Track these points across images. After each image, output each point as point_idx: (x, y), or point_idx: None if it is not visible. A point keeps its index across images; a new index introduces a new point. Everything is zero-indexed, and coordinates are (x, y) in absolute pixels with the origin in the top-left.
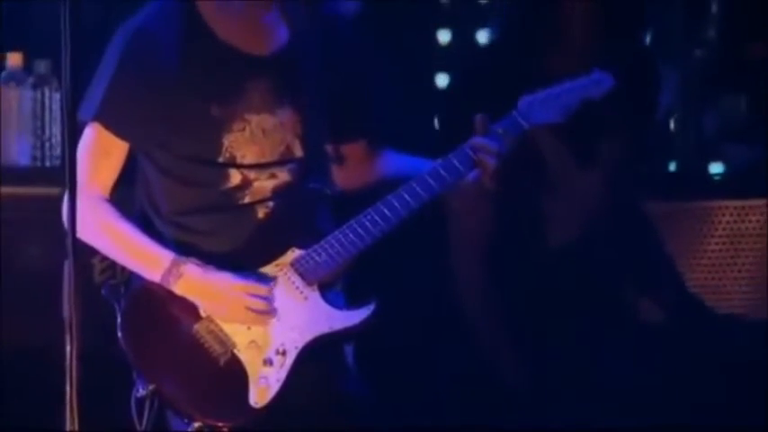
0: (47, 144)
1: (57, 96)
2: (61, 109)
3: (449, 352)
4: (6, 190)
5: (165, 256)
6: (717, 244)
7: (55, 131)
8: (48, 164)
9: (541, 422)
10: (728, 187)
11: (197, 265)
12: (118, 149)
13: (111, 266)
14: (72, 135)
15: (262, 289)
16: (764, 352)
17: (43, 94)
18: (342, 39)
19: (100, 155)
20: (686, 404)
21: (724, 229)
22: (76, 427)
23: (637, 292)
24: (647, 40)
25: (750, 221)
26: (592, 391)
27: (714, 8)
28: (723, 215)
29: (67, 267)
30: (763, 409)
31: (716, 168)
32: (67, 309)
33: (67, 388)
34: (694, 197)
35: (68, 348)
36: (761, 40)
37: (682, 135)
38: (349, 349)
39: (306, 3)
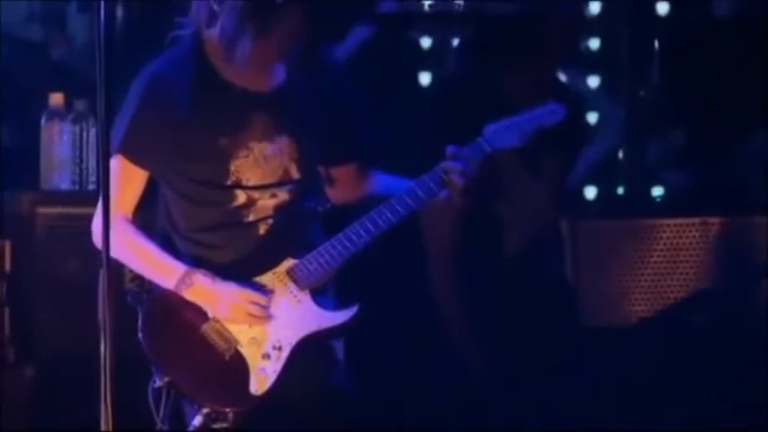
0: (84, 171)
1: (93, 131)
2: (97, 141)
3: (426, 348)
4: (50, 210)
5: (177, 268)
6: (659, 256)
7: (91, 161)
8: (85, 188)
9: (514, 418)
10: (668, 208)
11: (205, 275)
12: (139, 177)
13: (140, 275)
14: (106, 164)
15: (262, 298)
16: (700, 349)
17: (82, 129)
18: (333, 76)
19: (123, 181)
20: (635, 400)
21: (665, 244)
22: (110, 428)
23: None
24: (600, 82)
25: (687, 237)
26: (543, 389)
27: (656, 55)
28: (664, 231)
29: (102, 276)
30: (702, 401)
31: (657, 191)
32: (102, 312)
33: (102, 385)
34: (639, 216)
35: (103, 346)
36: (697, 83)
37: (628, 163)
38: (338, 345)
39: (302, 45)
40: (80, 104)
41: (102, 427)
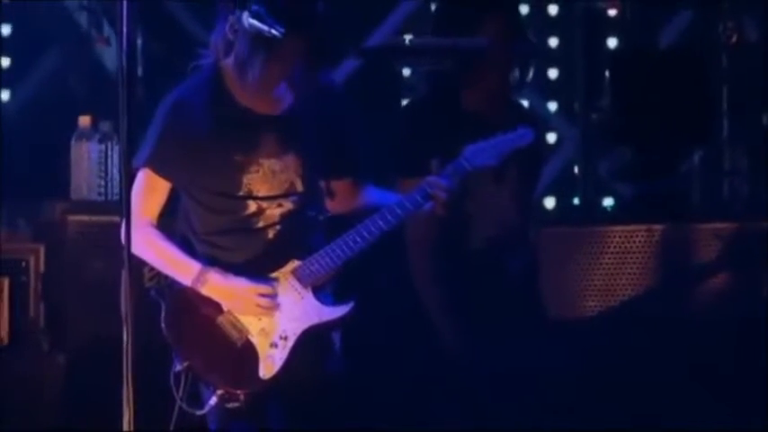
0: (109, 184)
1: (117, 148)
2: (120, 158)
3: (415, 339)
4: (79, 218)
5: (194, 266)
6: (609, 259)
7: (115, 174)
8: (110, 198)
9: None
10: (617, 216)
11: (218, 272)
12: (163, 187)
13: (157, 274)
14: (128, 178)
15: (269, 290)
16: (646, 340)
17: (107, 147)
18: (333, 100)
19: (149, 191)
20: (587, 388)
21: (615, 248)
22: (132, 409)
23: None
24: (558, 106)
25: (634, 242)
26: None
27: (607, 83)
28: (614, 237)
29: (124, 276)
30: (647, 388)
31: (608, 202)
32: (124, 307)
33: (124, 371)
34: (592, 223)
35: (125, 338)
36: (643, 106)
37: (583, 177)
38: (336, 336)
39: (306, 73)
40: (105, 126)
41: (125, 408)
